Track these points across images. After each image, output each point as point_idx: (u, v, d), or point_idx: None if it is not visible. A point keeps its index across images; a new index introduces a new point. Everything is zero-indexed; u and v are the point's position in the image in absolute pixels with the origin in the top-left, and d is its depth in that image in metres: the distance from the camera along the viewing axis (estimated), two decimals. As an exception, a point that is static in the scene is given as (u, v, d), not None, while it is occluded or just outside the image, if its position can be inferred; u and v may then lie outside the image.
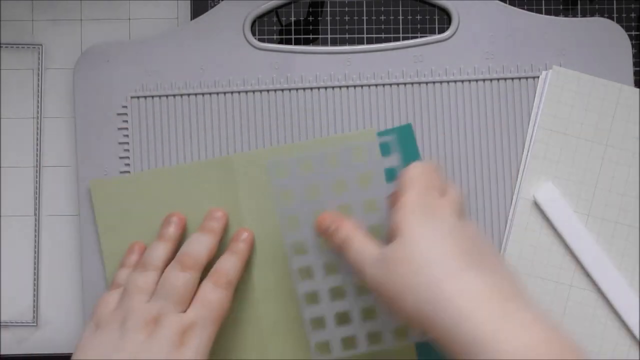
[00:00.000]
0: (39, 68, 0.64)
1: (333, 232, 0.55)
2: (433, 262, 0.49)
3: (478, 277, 0.48)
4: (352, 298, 0.57)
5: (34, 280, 0.63)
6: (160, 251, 0.58)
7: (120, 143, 0.62)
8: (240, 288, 0.59)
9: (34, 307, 0.63)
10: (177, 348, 0.53)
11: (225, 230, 0.60)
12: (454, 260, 0.49)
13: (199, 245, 0.58)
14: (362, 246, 0.53)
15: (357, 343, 0.57)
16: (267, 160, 0.58)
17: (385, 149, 0.58)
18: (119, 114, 0.62)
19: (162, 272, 0.57)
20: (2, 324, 0.63)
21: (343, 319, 0.57)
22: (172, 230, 0.59)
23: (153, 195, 0.61)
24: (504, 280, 0.49)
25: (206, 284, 0.56)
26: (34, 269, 0.63)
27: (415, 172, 0.53)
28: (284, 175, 0.57)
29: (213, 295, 0.56)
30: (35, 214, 0.64)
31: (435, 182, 0.53)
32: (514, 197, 0.61)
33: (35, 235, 0.63)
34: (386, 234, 0.52)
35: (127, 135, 0.62)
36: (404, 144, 0.61)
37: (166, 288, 0.55)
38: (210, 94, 0.62)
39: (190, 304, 0.55)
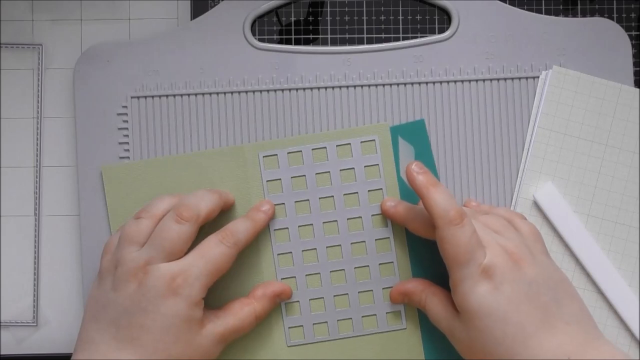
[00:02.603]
0: (39, 68, 0.64)
1: (409, 302, 0.59)
2: (497, 339, 0.51)
3: (556, 336, 0.51)
4: (327, 286, 0.61)
5: (34, 280, 0.63)
6: (163, 203, 0.57)
7: (120, 143, 0.62)
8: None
9: (34, 307, 0.63)
10: (166, 297, 0.53)
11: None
12: (530, 325, 0.51)
13: (200, 200, 0.56)
14: (437, 314, 0.56)
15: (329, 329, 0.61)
16: (279, 149, 0.60)
17: (397, 144, 0.61)
18: (119, 114, 0.62)
19: (158, 220, 0.56)
20: (2, 324, 0.63)
21: (317, 306, 0.61)
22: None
23: (163, 181, 0.61)
24: (576, 332, 0.52)
25: (211, 238, 0.56)
26: (34, 269, 0.63)
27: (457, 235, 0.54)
28: (296, 163, 0.61)
29: (215, 249, 0.55)
30: (35, 214, 0.64)
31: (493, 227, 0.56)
32: (514, 197, 0.61)
33: (35, 235, 0.63)
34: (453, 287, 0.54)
35: (127, 135, 0.62)
36: (416, 138, 0.61)
37: (158, 238, 0.54)
38: (210, 94, 0.62)
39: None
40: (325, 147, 0.61)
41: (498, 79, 0.62)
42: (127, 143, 0.62)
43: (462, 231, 0.53)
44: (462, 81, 0.62)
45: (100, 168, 0.62)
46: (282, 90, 0.62)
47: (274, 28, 0.63)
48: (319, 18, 0.63)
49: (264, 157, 0.61)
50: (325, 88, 0.62)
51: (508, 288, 0.51)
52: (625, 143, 0.61)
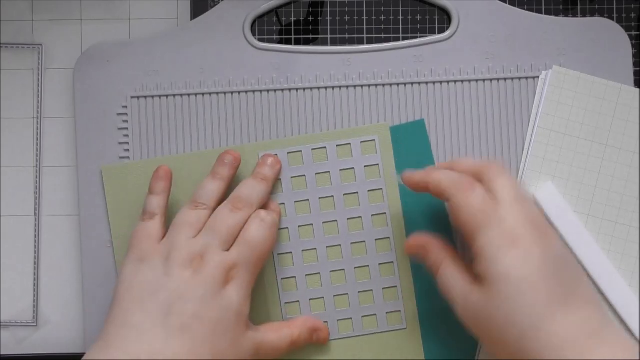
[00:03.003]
0: (39, 68, 0.64)
1: (423, 257, 0.56)
2: (524, 307, 0.50)
3: (569, 315, 0.50)
4: (327, 286, 0.61)
5: (34, 280, 0.63)
6: (213, 190, 0.58)
7: (120, 143, 0.62)
8: None
9: (34, 307, 0.63)
10: (222, 286, 0.53)
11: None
12: (557, 296, 0.50)
13: (252, 190, 0.58)
14: (452, 279, 0.54)
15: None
16: (279, 149, 0.61)
17: (397, 143, 0.61)
18: (119, 114, 0.62)
19: (213, 210, 0.57)
20: (2, 324, 0.63)
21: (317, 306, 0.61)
22: (226, 170, 0.59)
23: None
24: (593, 312, 0.51)
25: (252, 221, 0.57)
26: (34, 269, 0.63)
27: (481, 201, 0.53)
28: (296, 163, 0.61)
29: (259, 234, 0.56)
30: (35, 214, 0.64)
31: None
32: (514, 197, 0.61)
33: (35, 235, 0.63)
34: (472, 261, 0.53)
35: (127, 136, 0.62)
36: (416, 139, 0.61)
37: (216, 226, 0.55)
38: (210, 94, 0.62)
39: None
40: (325, 147, 0.61)
41: (498, 79, 0.62)
42: (127, 143, 0.62)
43: (475, 195, 0.52)
44: (462, 81, 0.62)
45: (100, 168, 0.62)
46: (282, 90, 0.62)
47: (274, 28, 0.63)
48: (319, 18, 0.63)
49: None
50: (325, 88, 0.62)
51: (537, 256, 0.50)
52: (625, 143, 0.61)
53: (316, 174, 0.61)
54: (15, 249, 0.64)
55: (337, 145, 0.61)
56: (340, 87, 0.62)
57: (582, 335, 0.49)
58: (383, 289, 0.60)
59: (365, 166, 0.61)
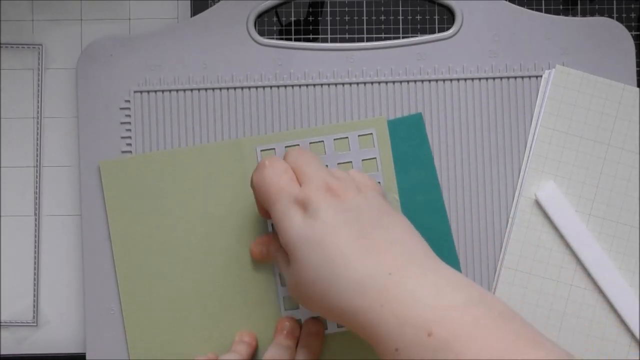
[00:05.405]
0: (39, 68, 0.64)
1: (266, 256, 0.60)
2: (329, 260, 0.50)
3: (379, 255, 0.50)
4: None
5: (34, 280, 0.63)
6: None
7: (122, 137, 0.62)
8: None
9: (34, 307, 0.63)
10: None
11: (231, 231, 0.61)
12: (349, 247, 0.50)
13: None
14: (280, 264, 0.57)
15: None
16: (277, 143, 0.61)
17: (394, 137, 0.61)
18: (121, 108, 0.62)
19: None
20: (2, 324, 0.63)
21: None
22: (244, 349, 0.59)
23: (162, 175, 0.61)
24: (403, 247, 0.51)
25: None
26: (34, 269, 0.63)
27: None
28: None
29: None
30: (35, 214, 0.63)
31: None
32: (516, 196, 0.61)
33: (35, 235, 0.63)
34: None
35: (129, 130, 0.62)
36: (414, 132, 0.62)
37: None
38: (213, 89, 0.62)
39: None
40: (322, 141, 0.61)
41: (501, 78, 0.62)
42: (130, 137, 0.62)
43: (272, 170, 0.54)
44: (465, 79, 0.62)
45: (98, 163, 0.62)
46: (285, 86, 0.62)
47: (274, 28, 0.63)
48: (319, 18, 0.63)
49: (261, 151, 0.61)
50: (328, 85, 0.62)
51: (323, 214, 0.50)
52: (627, 143, 0.61)
53: None
54: (15, 249, 0.63)
55: (334, 139, 0.61)
56: (342, 84, 0.62)
57: (381, 273, 0.49)
58: None
59: (363, 160, 0.61)
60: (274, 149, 0.61)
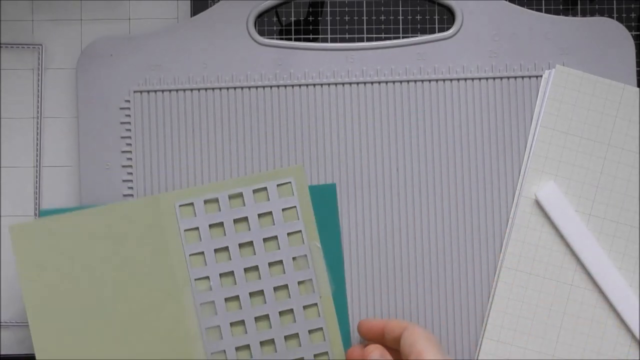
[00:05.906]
0: (39, 68, 0.64)
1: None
2: None
3: None
4: (253, 333, 0.60)
5: (34, 280, 0.63)
6: None
7: (122, 137, 0.62)
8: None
9: (34, 307, 0.63)
10: None
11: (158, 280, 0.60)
12: None
13: None
14: None
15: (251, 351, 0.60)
16: (195, 198, 0.60)
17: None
18: (121, 108, 0.62)
19: None
20: (2, 324, 0.63)
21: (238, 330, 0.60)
22: None
23: (76, 236, 0.59)
24: None
25: None
26: (34, 269, 0.63)
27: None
28: (213, 211, 0.60)
29: None
30: (35, 214, 0.64)
31: None
32: (516, 196, 0.61)
33: (35, 235, 0.63)
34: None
35: (129, 130, 0.62)
36: (325, 202, 0.62)
37: None
38: (213, 89, 0.62)
39: None
40: (241, 193, 0.61)
41: (501, 78, 0.62)
42: (129, 137, 0.62)
43: None
44: (465, 79, 0.62)
45: (8, 229, 0.59)
46: (285, 86, 0.62)
47: (274, 28, 0.63)
48: (319, 18, 0.63)
49: (180, 206, 0.60)
50: (328, 84, 0.62)
51: None
52: (627, 143, 0.61)
53: (234, 220, 0.60)
54: (15, 248, 0.63)
55: (253, 190, 0.61)
56: (342, 83, 0.62)
57: None
58: (309, 331, 0.60)
59: (283, 209, 0.61)
60: (192, 203, 0.60)
